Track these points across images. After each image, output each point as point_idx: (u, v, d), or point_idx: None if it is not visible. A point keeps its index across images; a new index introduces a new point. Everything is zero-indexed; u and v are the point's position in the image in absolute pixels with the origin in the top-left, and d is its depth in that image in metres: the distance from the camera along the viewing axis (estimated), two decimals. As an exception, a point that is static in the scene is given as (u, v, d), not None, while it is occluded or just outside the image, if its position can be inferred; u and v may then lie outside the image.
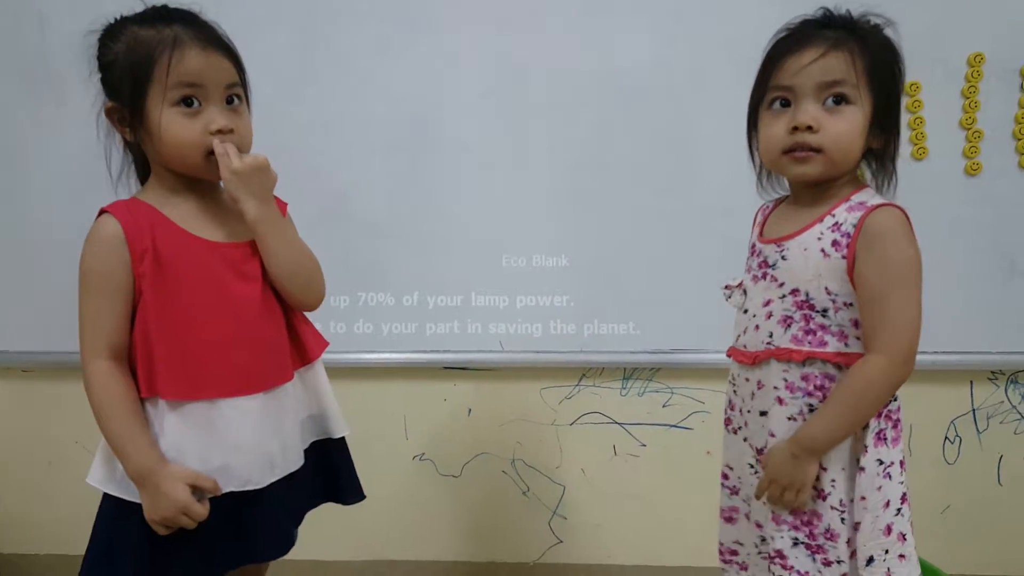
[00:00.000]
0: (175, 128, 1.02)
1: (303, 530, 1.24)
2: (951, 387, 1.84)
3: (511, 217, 1.81)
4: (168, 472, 1.01)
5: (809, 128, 1.00)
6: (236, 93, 1.08)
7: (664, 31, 1.73)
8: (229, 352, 1.06)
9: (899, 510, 1.03)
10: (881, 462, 1.01)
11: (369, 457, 1.92)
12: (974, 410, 1.85)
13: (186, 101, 1.02)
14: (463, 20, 1.76)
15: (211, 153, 1.03)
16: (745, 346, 1.12)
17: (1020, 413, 1.85)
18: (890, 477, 1.02)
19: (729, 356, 1.16)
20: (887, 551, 1.01)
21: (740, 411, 1.15)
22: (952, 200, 1.71)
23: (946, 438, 1.86)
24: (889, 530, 1.01)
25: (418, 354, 1.85)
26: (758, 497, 1.08)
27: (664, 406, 1.89)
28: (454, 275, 1.83)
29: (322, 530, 1.93)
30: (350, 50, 1.78)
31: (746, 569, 1.21)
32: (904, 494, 1.04)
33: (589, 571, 1.96)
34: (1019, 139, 1.69)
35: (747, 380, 1.12)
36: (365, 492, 1.91)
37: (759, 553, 1.17)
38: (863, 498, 1.01)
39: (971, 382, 1.84)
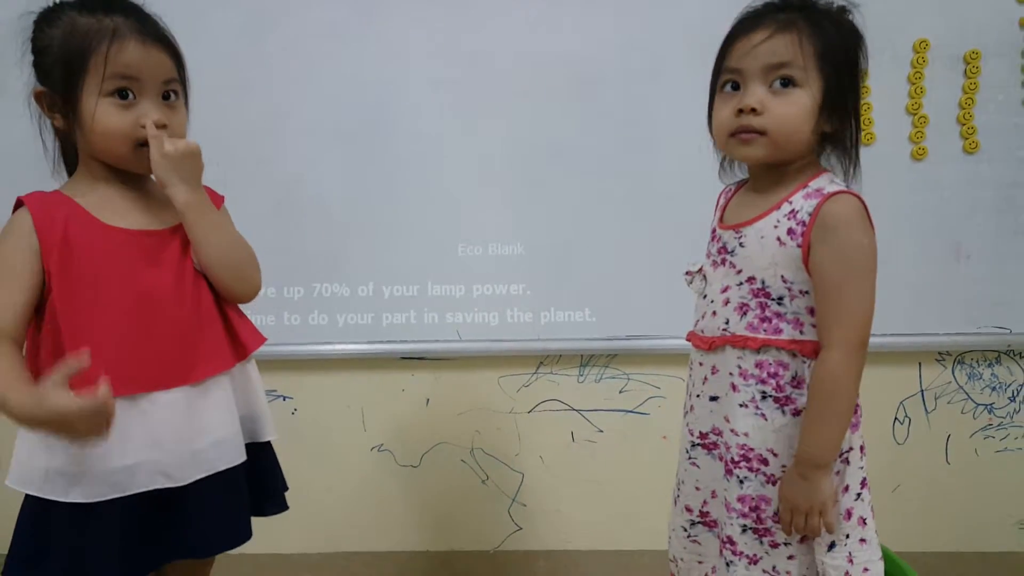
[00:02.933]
0: (107, 119, 1.01)
1: (260, 522, 1.23)
2: (900, 369, 1.88)
3: (466, 205, 1.80)
4: (31, 399, 0.88)
5: (753, 110, 0.99)
6: (173, 89, 1.06)
7: (619, 17, 1.73)
8: (144, 345, 1.03)
9: (859, 495, 1.03)
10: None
11: (327, 449, 1.94)
12: (922, 391, 1.89)
13: (121, 93, 1.01)
14: (416, 6, 1.74)
15: (141, 145, 1.03)
16: (703, 331, 1.12)
17: (967, 393, 1.89)
18: (848, 462, 1.02)
19: (688, 341, 1.17)
20: (848, 536, 1.02)
21: (691, 395, 1.16)
22: (899, 185, 1.74)
23: (896, 419, 1.90)
24: (849, 515, 1.02)
25: (375, 345, 1.84)
26: (788, 533, 1.04)
27: (621, 392, 1.90)
28: (410, 264, 1.82)
29: (280, 523, 1.90)
30: (301, 36, 1.75)
31: (675, 562, 1.22)
32: (864, 479, 1.04)
33: (548, 557, 1.97)
34: (963, 124, 1.73)
35: (701, 365, 1.13)
36: (324, 485, 1.93)
37: (687, 536, 1.18)
38: None
39: (919, 364, 1.88)
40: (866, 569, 1.02)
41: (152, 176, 1.07)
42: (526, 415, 1.92)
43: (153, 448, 1.02)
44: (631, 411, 1.91)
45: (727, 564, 1.10)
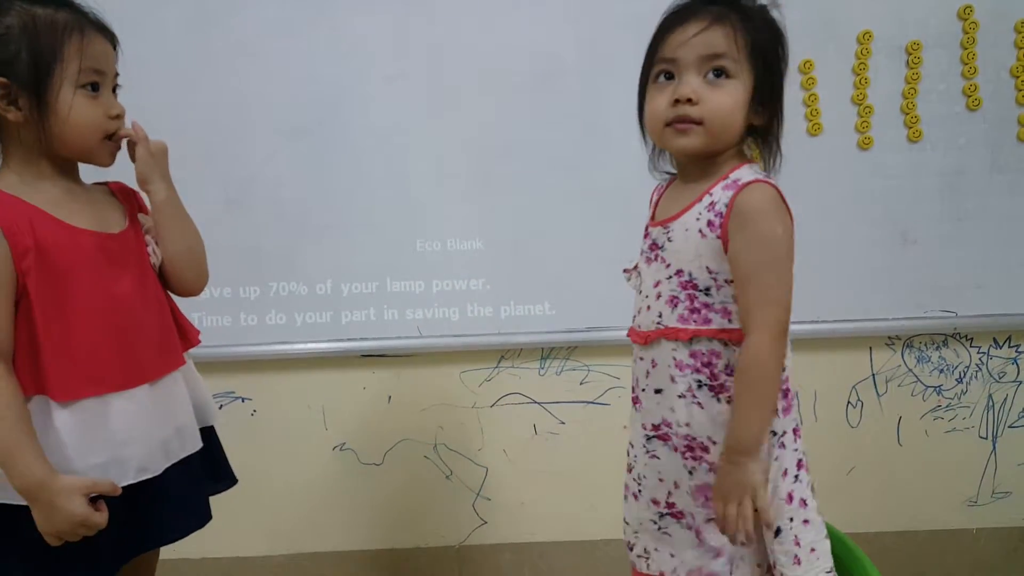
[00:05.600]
0: (84, 111, 1.02)
1: (223, 527, 1.22)
2: (852, 354, 1.92)
3: (424, 201, 1.80)
4: (61, 486, 0.97)
5: (690, 100, 1.00)
6: (117, 84, 1.10)
7: (572, 11, 1.74)
8: (118, 345, 1.05)
9: (796, 476, 1.04)
10: (774, 433, 1.03)
11: (288, 450, 1.92)
12: (874, 375, 1.94)
13: (93, 86, 1.03)
14: (369, 1, 1.73)
15: (107, 137, 1.06)
16: (640, 326, 1.14)
17: (916, 376, 1.94)
18: (784, 446, 1.04)
19: (628, 336, 1.18)
20: (792, 519, 1.03)
21: (637, 389, 1.17)
22: (846, 173, 1.78)
23: (848, 403, 1.95)
24: (791, 498, 1.03)
25: (334, 343, 1.83)
26: (723, 525, 1.02)
27: (581, 383, 1.92)
28: (368, 261, 1.81)
29: (242, 526, 1.91)
30: (250, 31, 1.73)
31: (631, 548, 1.22)
32: (800, 460, 1.05)
33: (514, 549, 1.98)
34: (907, 114, 1.77)
35: (641, 360, 1.14)
36: (286, 487, 1.90)
37: (658, 529, 1.16)
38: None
39: (870, 348, 1.92)
40: (813, 549, 1.03)
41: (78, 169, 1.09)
42: (488, 409, 1.93)
43: (126, 445, 1.04)
44: (592, 402, 1.93)
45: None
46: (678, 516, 1.15)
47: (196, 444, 1.16)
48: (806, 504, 1.05)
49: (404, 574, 1.98)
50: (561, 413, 1.93)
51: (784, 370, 1.05)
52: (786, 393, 1.05)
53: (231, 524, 1.25)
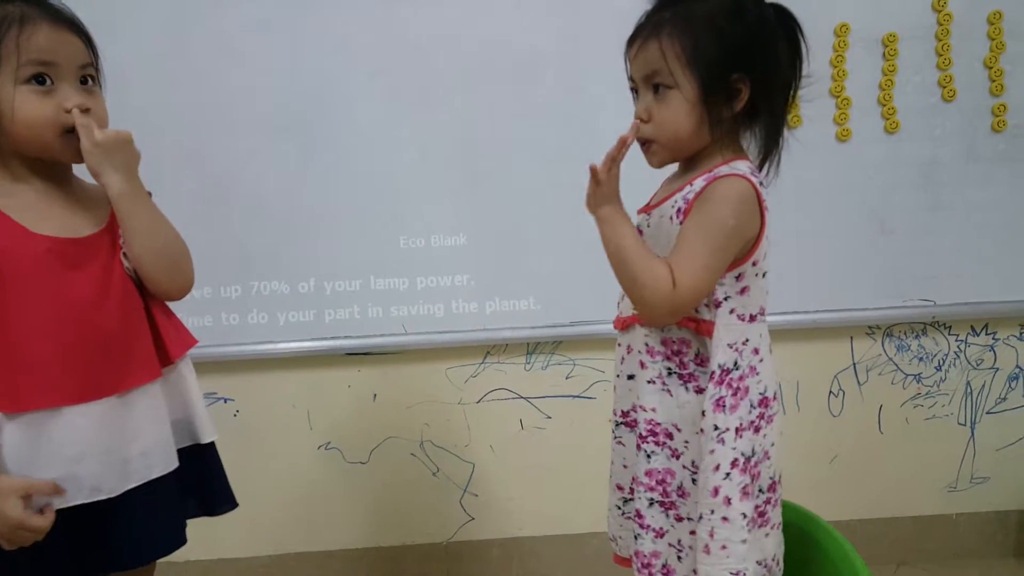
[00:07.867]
0: (29, 106, 0.97)
1: (207, 528, 1.20)
2: (833, 343, 1.94)
3: (407, 198, 1.79)
4: None
5: (641, 119, 1.05)
6: (90, 74, 1.04)
7: (554, 5, 1.74)
8: (71, 356, 0.99)
9: (728, 475, 1.03)
10: (716, 427, 1.02)
11: (272, 451, 1.91)
12: (855, 364, 1.96)
13: (38, 79, 0.97)
14: (349, -4, 1.72)
15: (67, 131, 0.99)
16: (621, 312, 1.15)
17: (896, 364, 1.97)
18: (723, 442, 1.02)
19: (613, 324, 1.19)
20: (712, 511, 1.03)
21: (614, 376, 1.18)
22: (825, 165, 1.80)
23: (830, 392, 1.97)
24: (716, 492, 1.03)
25: (318, 342, 1.82)
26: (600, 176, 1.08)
27: (567, 378, 1.92)
28: (351, 259, 1.80)
29: (227, 527, 1.86)
30: (229, 29, 1.71)
31: (615, 541, 1.25)
32: (735, 460, 1.02)
33: (502, 545, 1.98)
34: (884, 105, 1.80)
35: (620, 345, 1.16)
36: (271, 487, 1.90)
37: (622, 514, 1.21)
38: (702, 459, 1.05)
39: (851, 338, 1.95)
40: (724, 547, 1.03)
41: (70, 168, 1.05)
42: (475, 405, 1.93)
43: (80, 461, 0.99)
44: (578, 396, 1.93)
45: (635, 537, 1.12)
46: None
47: (168, 465, 1.09)
48: (730, 503, 1.03)
49: (392, 572, 1.97)
50: (547, 408, 1.94)
51: (739, 368, 1.03)
52: (736, 391, 1.03)
53: (216, 526, 1.22)
